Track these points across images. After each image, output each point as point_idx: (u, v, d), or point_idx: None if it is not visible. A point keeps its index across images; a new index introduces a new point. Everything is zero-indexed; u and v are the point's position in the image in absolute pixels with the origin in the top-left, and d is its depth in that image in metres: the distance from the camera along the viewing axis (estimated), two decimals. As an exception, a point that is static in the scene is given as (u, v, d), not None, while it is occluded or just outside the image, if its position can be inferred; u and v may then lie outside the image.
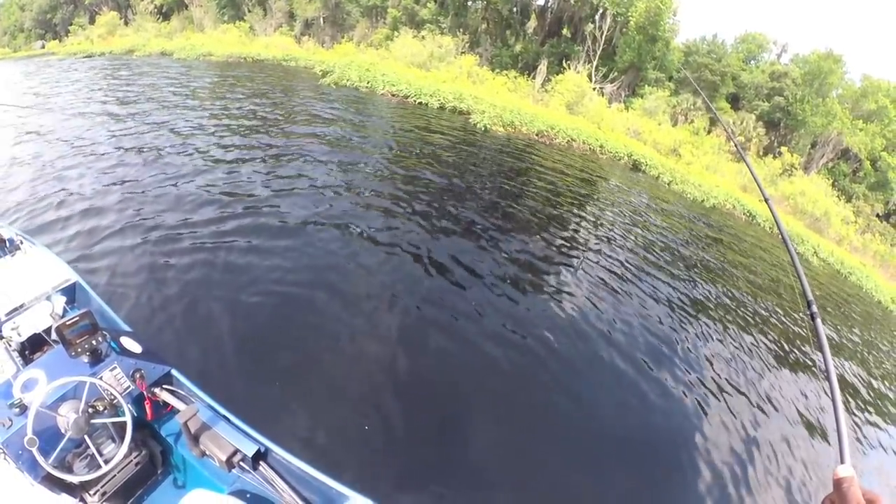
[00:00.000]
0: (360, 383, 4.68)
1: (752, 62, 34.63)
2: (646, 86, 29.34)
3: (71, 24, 57.86)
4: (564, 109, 23.81)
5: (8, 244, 4.31)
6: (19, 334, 3.34)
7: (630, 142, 21.54)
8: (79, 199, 7.81)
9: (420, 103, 20.19)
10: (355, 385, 4.65)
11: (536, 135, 18.78)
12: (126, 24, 51.15)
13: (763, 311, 9.44)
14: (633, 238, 10.55)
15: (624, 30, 28.65)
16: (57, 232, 6.74)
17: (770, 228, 18.85)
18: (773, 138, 30.49)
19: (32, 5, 64.19)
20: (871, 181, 30.36)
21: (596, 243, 9.63)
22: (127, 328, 3.50)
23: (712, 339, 7.37)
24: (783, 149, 27.87)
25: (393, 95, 20.88)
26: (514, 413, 4.81)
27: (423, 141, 14.12)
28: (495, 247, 8.01)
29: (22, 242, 4.42)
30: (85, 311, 2.88)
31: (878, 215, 30.09)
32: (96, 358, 2.94)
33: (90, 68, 27.62)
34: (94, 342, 2.87)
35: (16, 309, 3.50)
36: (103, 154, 10.15)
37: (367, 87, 21.75)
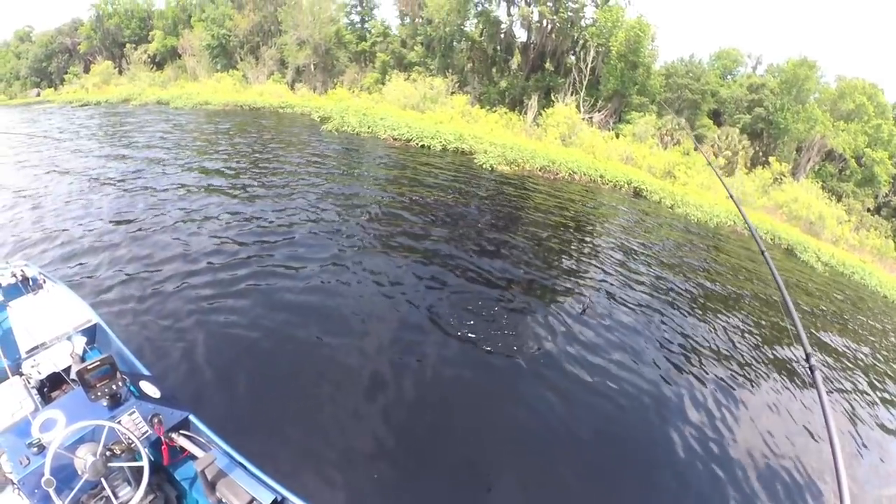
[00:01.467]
0: (375, 430, 4.58)
1: (729, 77, 35.43)
2: (631, 111, 29.72)
3: (66, 73, 59.27)
4: (559, 142, 24.07)
5: (31, 282, 4.36)
6: (39, 372, 3.32)
7: (626, 168, 21.70)
8: (95, 241, 8.03)
9: (422, 146, 20.33)
10: (370, 432, 4.56)
11: (539, 170, 18.86)
12: (120, 73, 52.13)
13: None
14: (653, 271, 10.43)
15: (606, 59, 29.24)
16: (73, 272, 6.81)
17: (772, 240, 19.00)
18: (757, 148, 30.83)
19: (28, 53, 65.49)
20: (858, 178, 30.58)
21: (616, 274, 9.56)
22: (146, 372, 3.48)
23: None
24: (771, 158, 28.10)
25: (395, 140, 21.00)
26: (542, 472, 4.64)
27: (432, 184, 14.16)
28: (516, 287, 7.96)
29: (45, 281, 4.43)
30: (106, 356, 2.86)
31: (868, 210, 30.31)
32: (115, 402, 2.91)
33: (90, 116, 28.03)
34: (114, 386, 2.85)
35: (36, 347, 3.49)
36: (115, 199, 10.48)
37: (368, 133, 21.90)
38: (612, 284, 8.91)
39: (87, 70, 56.30)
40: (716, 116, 33.35)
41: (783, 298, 2.22)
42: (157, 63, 52.64)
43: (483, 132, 23.83)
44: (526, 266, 8.94)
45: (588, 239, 11.79)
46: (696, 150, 27.42)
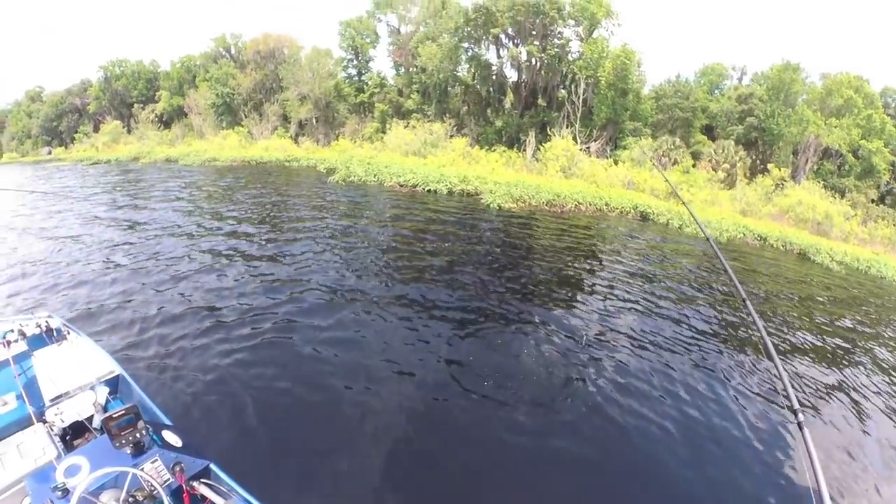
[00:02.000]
0: (399, 481, 4.54)
1: (717, 91, 36.13)
2: (626, 137, 30.31)
3: (76, 132, 61.26)
4: (561, 175, 24.60)
5: (56, 333, 4.49)
6: (62, 420, 3.40)
7: (630, 194, 22.04)
8: (114, 294, 8.25)
9: (429, 191, 20.68)
10: (393, 485, 4.50)
11: (546, 205, 19.15)
12: (129, 132, 53.80)
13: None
14: (672, 293, 10.28)
15: (596, 89, 30.04)
16: (94, 323, 7.01)
17: (783, 246, 19.09)
18: (754, 157, 31.19)
19: (39, 113, 67.85)
20: (858, 171, 30.57)
21: (638, 300, 9.46)
22: (168, 422, 3.53)
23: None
24: (769, 165, 28.38)
25: (401, 186, 21.38)
26: None
27: (442, 228, 14.25)
28: (536, 322, 7.87)
29: (69, 333, 4.58)
30: (131, 406, 2.96)
31: (873, 201, 30.29)
32: (139, 450, 2.97)
33: (102, 174, 29.01)
34: (137, 435, 2.92)
35: (60, 396, 3.58)
36: (134, 254, 10.81)
37: (374, 181, 22.41)
38: (637, 311, 8.88)
39: (96, 129, 58.45)
40: (709, 131, 33.82)
41: (765, 346, 2.13)
42: (165, 122, 54.42)
43: (485, 172, 24.34)
44: (544, 301, 8.92)
45: (601, 268, 11.85)
46: (713, 169, 27.94)
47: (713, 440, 5.35)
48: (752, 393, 6.35)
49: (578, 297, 9.45)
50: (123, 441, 2.88)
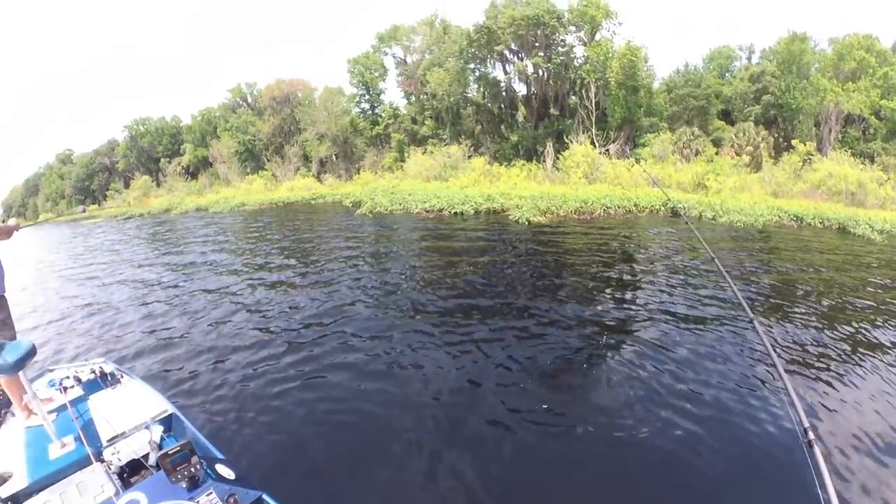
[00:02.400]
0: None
1: (728, 74, 35.79)
2: (644, 134, 30.18)
3: (108, 190, 64.11)
4: (584, 181, 24.73)
5: (110, 377, 4.62)
6: (119, 459, 3.45)
7: (656, 192, 22.03)
8: (161, 338, 8.48)
9: (455, 213, 20.77)
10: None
11: (574, 213, 19.17)
12: (158, 185, 56.23)
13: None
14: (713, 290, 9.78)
15: (606, 91, 30.15)
16: (144, 367, 7.23)
17: (821, 223, 18.72)
18: (776, 136, 30.69)
19: (71, 174, 71.58)
20: (884, 132, 29.68)
21: (677, 298, 9.18)
22: (220, 455, 3.60)
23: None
24: (794, 141, 27.86)
25: (427, 212, 21.54)
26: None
27: (472, 248, 14.21)
28: (584, 336, 7.73)
29: (122, 377, 4.67)
30: (185, 442, 3.02)
31: None
32: (194, 484, 3.03)
33: (138, 227, 30.34)
34: (192, 469, 2.98)
35: (116, 436, 3.65)
36: (175, 298, 11.15)
37: (400, 209, 22.69)
38: (675, 311, 8.61)
39: (126, 185, 61.34)
40: (726, 116, 33.36)
41: (773, 362, 2.11)
42: (191, 173, 56.52)
43: (508, 188, 24.56)
44: (588, 314, 8.75)
45: (638, 269, 11.81)
46: (736, 154, 27.59)
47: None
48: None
49: (622, 305, 9.30)
50: (179, 476, 2.96)
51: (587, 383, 6.44)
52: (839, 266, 12.88)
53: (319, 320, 8.82)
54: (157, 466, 3.37)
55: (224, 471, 3.25)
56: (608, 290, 10.38)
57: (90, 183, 69.30)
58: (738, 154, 28.25)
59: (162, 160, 59.74)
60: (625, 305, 9.35)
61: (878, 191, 24.14)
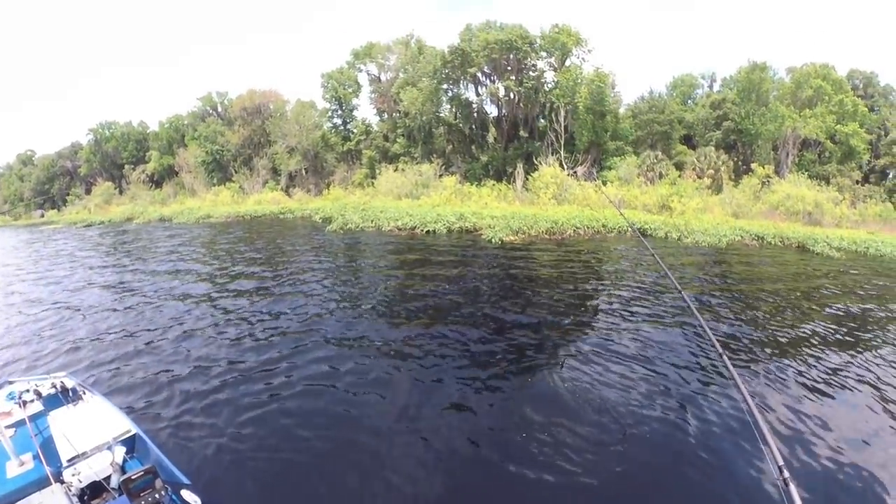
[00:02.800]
0: None
1: (690, 101, 37.03)
2: (610, 157, 30.80)
3: (68, 195, 61.65)
4: (553, 202, 24.98)
5: (71, 393, 4.45)
6: (80, 480, 3.34)
7: (624, 212, 22.45)
8: (122, 353, 8.26)
9: (428, 232, 20.66)
10: None
11: (546, 233, 19.29)
12: (121, 192, 54.05)
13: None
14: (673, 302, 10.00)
15: (574, 115, 30.72)
16: (107, 383, 6.95)
17: (782, 242, 19.36)
18: (736, 160, 31.85)
19: (31, 177, 68.14)
20: (838, 156, 30.91)
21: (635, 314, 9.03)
22: (186, 480, 3.47)
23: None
24: (753, 165, 28.93)
25: (399, 230, 21.36)
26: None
27: (444, 268, 14.06)
28: (555, 356, 7.62)
29: (84, 393, 4.53)
30: (149, 467, 2.97)
31: (857, 182, 30.65)
32: None
33: (100, 235, 29.35)
34: (156, 496, 2.92)
35: (77, 456, 3.52)
36: (139, 313, 10.81)
37: (372, 227, 22.39)
38: (642, 337, 8.53)
39: (88, 191, 58.91)
40: (687, 140, 34.33)
41: (742, 394, 1.94)
42: (156, 181, 54.67)
43: (479, 207, 24.69)
44: (559, 332, 8.79)
45: (610, 288, 11.92)
46: (698, 177, 28.42)
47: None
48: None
49: (591, 322, 9.36)
50: (143, 502, 2.87)
51: (560, 406, 6.21)
52: (801, 284, 13.30)
53: (289, 338, 8.63)
54: (120, 490, 3.24)
55: (190, 497, 3.13)
56: (580, 307, 10.44)
57: (50, 186, 66.29)
58: (699, 177, 29.11)
59: (126, 167, 57.82)
60: (593, 322, 9.38)
61: (833, 210, 25.29)
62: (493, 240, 18.34)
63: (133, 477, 2.90)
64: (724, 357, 2.31)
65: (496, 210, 23.54)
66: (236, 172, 45.96)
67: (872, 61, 64.71)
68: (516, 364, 7.43)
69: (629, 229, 19.84)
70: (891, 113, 33.52)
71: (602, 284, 12.53)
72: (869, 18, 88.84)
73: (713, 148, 31.31)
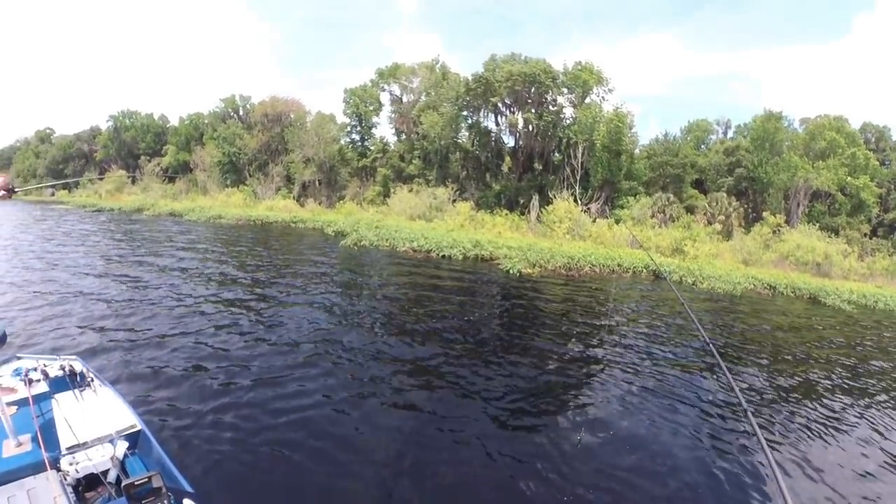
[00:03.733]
0: None
1: (703, 146, 37.42)
2: (622, 196, 31.00)
3: (81, 177, 61.00)
4: (568, 237, 25.04)
5: (79, 378, 4.29)
6: (77, 471, 3.22)
7: (638, 253, 22.39)
8: (130, 346, 8.06)
9: (443, 256, 20.39)
10: None
11: (563, 269, 19.19)
12: (133, 182, 53.87)
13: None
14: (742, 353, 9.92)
15: (591, 152, 30.96)
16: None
17: (793, 293, 19.40)
18: (746, 206, 32.08)
19: (47, 154, 68.76)
20: (848, 208, 31.17)
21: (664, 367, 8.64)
22: (189, 488, 3.29)
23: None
24: (765, 213, 29.08)
25: (414, 251, 21.05)
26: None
27: (466, 297, 13.81)
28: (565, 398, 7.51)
29: (92, 380, 4.37)
30: (155, 474, 2.82)
31: (866, 235, 30.90)
32: None
33: (109, 221, 29.39)
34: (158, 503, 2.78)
35: (78, 445, 3.41)
36: (141, 309, 10.54)
37: (387, 246, 22.00)
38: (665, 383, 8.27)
39: (101, 177, 58.66)
40: (699, 185, 34.55)
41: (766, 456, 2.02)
42: (169, 176, 54.61)
43: (492, 236, 24.59)
44: (583, 378, 8.48)
45: (630, 327, 11.83)
46: (708, 223, 28.57)
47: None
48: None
49: (606, 370, 9.05)
50: None
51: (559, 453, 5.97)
52: (825, 336, 13.32)
53: (301, 353, 8.40)
54: (117, 486, 3.12)
55: None
56: (599, 348, 10.29)
57: (65, 167, 66.45)
58: (710, 222, 29.24)
59: (142, 157, 57.91)
60: (614, 362, 9.26)
61: (842, 262, 25.33)
62: (510, 270, 18.16)
63: (137, 483, 2.76)
64: (749, 414, 2.17)
65: (511, 240, 23.40)
66: (250, 176, 46.00)
67: (885, 115, 65.35)
68: (535, 404, 7.25)
69: (644, 270, 19.94)
70: (902, 167, 33.80)
71: (626, 323, 12.46)
72: (882, 74, 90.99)
73: (725, 194, 31.50)
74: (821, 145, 32.36)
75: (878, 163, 32.33)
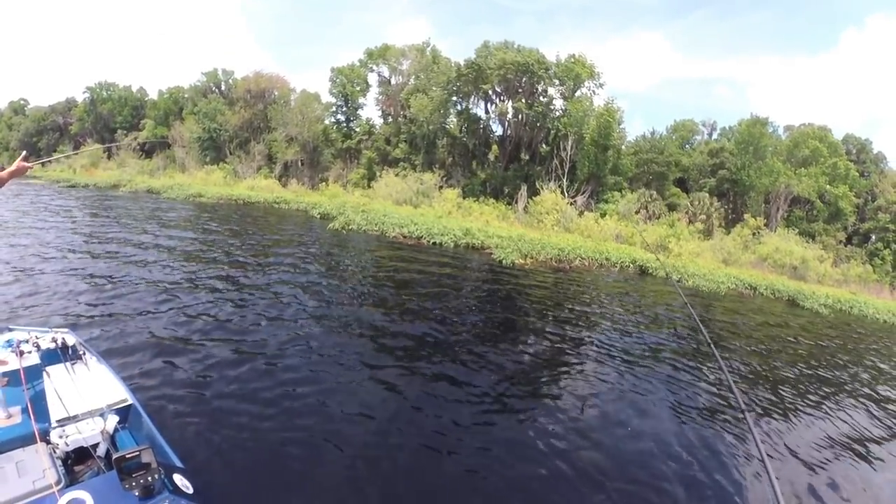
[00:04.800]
0: None
1: (687, 146, 37.57)
2: (607, 191, 30.89)
3: (55, 151, 58.23)
4: (557, 229, 24.77)
5: (71, 351, 4.23)
6: (66, 444, 3.17)
7: (625, 248, 22.31)
8: (133, 320, 7.74)
9: (434, 243, 19.78)
10: None
11: (554, 260, 18.90)
12: (109, 157, 51.48)
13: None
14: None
15: (580, 146, 30.65)
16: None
17: (773, 294, 19.64)
18: (727, 207, 32.42)
19: (20, 126, 65.40)
20: (826, 215, 31.72)
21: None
22: (179, 464, 3.24)
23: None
24: (746, 215, 29.40)
25: (404, 237, 20.34)
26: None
27: (463, 285, 13.48)
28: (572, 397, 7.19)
29: (84, 353, 4.31)
30: (146, 448, 2.75)
31: (841, 242, 31.56)
32: (147, 493, 2.74)
33: (89, 197, 27.80)
34: (149, 478, 2.70)
35: (68, 418, 3.36)
36: (154, 282, 10.25)
37: (376, 230, 21.24)
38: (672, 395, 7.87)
39: (76, 150, 55.98)
40: (681, 183, 34.57)
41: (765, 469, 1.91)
42: (146, 151, 52.24)
43: (481, 225, 24.12)
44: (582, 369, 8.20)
45: (627, 320, 11.59)
46: (689, 222, 28.67)
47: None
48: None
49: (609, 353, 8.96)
50: (133, 483, 2.65)
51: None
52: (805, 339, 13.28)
53: (291, 327, 8.22)
54: (107, 460, 3.12)
55: (181, 482, 2.94)
56: (590, 333, 10.17)
57: (38, 140, 62.83)
58: (691, 221, 29.38)
59: (118, 131, 55.32)
60: (610, 355, 9.01)
61: (818, 267, 25.80)
62: (503, 260, 17.76)
63: (128, 455, 2.65)
64: (748, 416, 2.13)
65: (501, 230, 22.97)
66: (231, 154, 44.25)
67: (864, 129, 67.54)
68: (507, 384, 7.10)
69: (630, 265, 19.85)
70: (880, 180, 34.57)
71: (617, 313, 12.42)
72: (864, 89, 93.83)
73: (707, 194, 31.74)
74: (804, 153, 32.73)
75: (857, 174, 32.95)
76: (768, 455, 5.66)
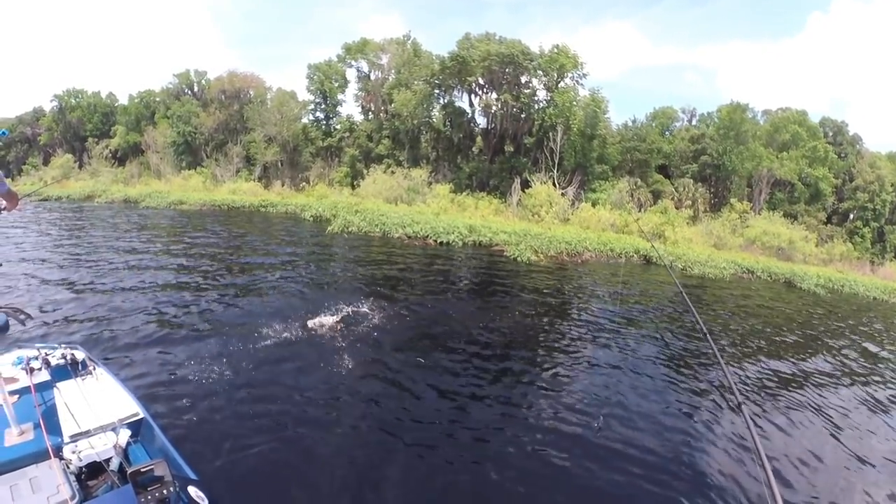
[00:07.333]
0: None
1: (667, 133, 37.31)
2: (594, 180, 30.36)
3: (24, 164, 55.09)
4: (557, 222, 24.07)
5: (80, 367, 4.22)
6: (80, 459, 3.18)
7: (625, 237, 21.86)
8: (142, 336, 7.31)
9: (441, 243, 18.71)
10: None
11: (566, 255, 18.28)
12: (81, 167, 48.66)
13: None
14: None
15: (566, 136, 29.94)
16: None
17: (770, 277, 19.61)
18: (710, 192, 32.41)
19: None
20: (806, 196, 32.20)
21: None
22: (193, 475, 3.21)
23: None
24: (732, 200, 29.38)
25: (408, 238, 19.14)
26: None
27: (491, 288, 12.63)
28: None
29: (94, 368, 4.29)
30: (160, 462, 2.75)
31: (822, 222, 32.11)
32: None
33: (65, 211, 25.71)
34: (164, 491, 2.69)
35: (80, 433, 3.37)
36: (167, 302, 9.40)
37: (378, 231, 19.89)
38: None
39: (46, 162, 52.93)
40: (663, 170, 34.20)
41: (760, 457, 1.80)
42: (119, 158, 49.39)
43: (480, 221, 23.12)
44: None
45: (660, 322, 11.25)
46: (676, 207, 28.45)
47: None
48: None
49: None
50: (149, 497, 2.63)
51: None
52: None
53: (316, 344, 7.59)
54: (120, 474, 3.12)
55: (196, 495, 2.89)
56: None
57: (6, 153, 58.57)
58: (677, 207, 29.17)
59: (89, 139, 51.85)
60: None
61: (804, 248, 25.97)
62: (518, 258, 16.90)
63: (143, 469, 2.66)
64: (744, 410, 2.16)
65: (504, 225, 22.03)
66: (208, 157, 42.02)
67: (836, 111, 69.32)
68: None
69: (635, 255, 19.38)
70: (857, 161, 35.04)
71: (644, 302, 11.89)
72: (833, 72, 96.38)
73: (691, 180, 31.60)
74: (784, 137, 32.96)
75: (835, 156, 33.51)
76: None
